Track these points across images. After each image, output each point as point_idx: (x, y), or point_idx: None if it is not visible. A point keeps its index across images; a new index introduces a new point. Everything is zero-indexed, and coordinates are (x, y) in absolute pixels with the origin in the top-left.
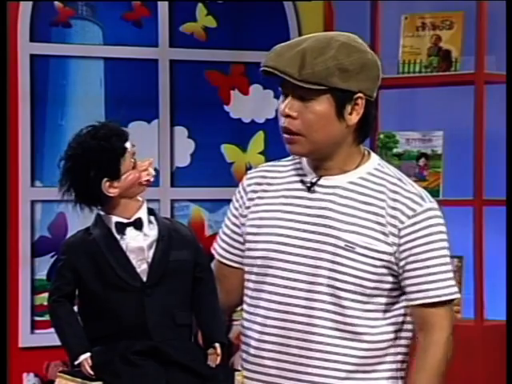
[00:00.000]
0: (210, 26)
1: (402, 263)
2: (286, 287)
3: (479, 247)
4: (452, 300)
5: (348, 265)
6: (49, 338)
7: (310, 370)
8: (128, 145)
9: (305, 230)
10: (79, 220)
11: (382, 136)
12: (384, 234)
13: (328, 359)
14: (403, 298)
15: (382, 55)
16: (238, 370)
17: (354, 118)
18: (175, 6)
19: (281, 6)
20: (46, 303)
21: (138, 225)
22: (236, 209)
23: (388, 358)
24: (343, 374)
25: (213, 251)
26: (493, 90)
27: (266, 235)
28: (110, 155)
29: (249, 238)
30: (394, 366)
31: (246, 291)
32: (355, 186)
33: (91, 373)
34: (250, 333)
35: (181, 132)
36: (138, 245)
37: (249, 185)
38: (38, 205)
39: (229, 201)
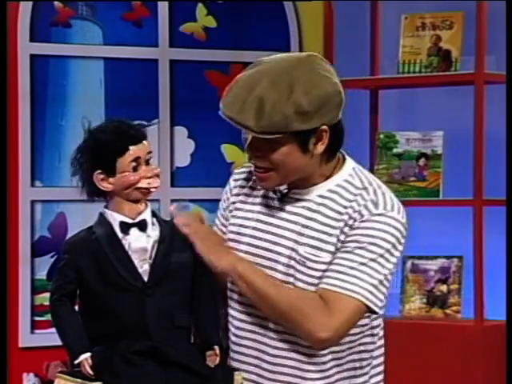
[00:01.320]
0: (209, 26)
1: (339, 251)
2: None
3: (479, 247)
4: (354, 299)
5: (299, 278)
6: (49, 337)
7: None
8: (132, 147)
9: (270, 241)
10: (79, 220)
11: (382, 136)
12: (332, 244)
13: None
14: None
15: (382, 55)
16: (237, 370)
17: (319, 148)
18: (175, 6)
19: (281, 6)
20: (46, 303)
21: (142, 226)
22: (224, 209)
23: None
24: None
25: None
26: (493, 90)
27: (243, 245)
28: (104, 149)
29: (230, 243)
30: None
31: (228, 292)
32: (323, 199)
33: (91, 373)
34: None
35: (181, 132)
36: (142, 245)
37: (235, 187)
38: (37, 205)
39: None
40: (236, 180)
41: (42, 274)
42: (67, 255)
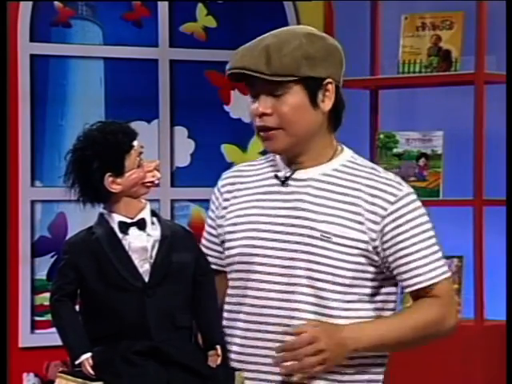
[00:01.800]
0: (210, 26)
1: (390, 251)
2: (264, 282)
3: (479, 247)
4: (448, 278)
5: (325, 255)
6: (49, 337)
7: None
8: (135, 143)
9: (281, 224)
10: (79, 220)
11: (382, 136)
12: (359, 222)
13: None
14: (390, 288)
15: (382, 55)
16: (238, 370)
17: (327, 105)
18: (175, 6)
19: (281, 6)
20: (46, 303)
21: (141, 225)
22: (212, 211)
23: None
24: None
25: None
26: (493, 90)
27: (242, 232)
28: (115, 150)
29: (227, 236)
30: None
31: (228, 290)
32: (329, 177)
33: (92, 373)
34: (233, 331)
35: (181, 132)
36: (142, 244)
37: (223, 185)
38: (38, 205)
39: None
40: (225, 179)
41: (42, 274)
42: (67, 255)
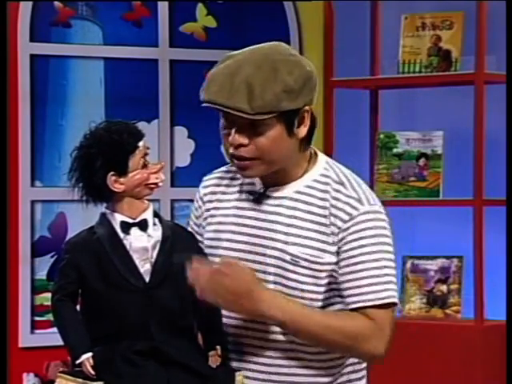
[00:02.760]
0: (210, 26)
1: (339, 268)
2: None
3: (479, 247)
4: (389, 304)
5: (294, 279)
6: (49, 338)
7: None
8: (140, 144)
9: (253, 244)
10: (79, 220)
11: (382, 136)
12: (327, 243)
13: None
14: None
15: (382, 55)
16: (238, 370)
17: (302, 131)
18: (175, 6)
19: (281, 6)
20: (46, 303)
21: (143, 226)
22: (196, 217)
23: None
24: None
25: None
26: (493, 90)
27: (221, 249)
28: (119, 149)
29: (207, 250)
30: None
31: None
32: (301, 195)
33: (92, 372)
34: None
35: (181, 132)
36: (142, 245)
37: (205, 194)
38: (38, 205)
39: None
40: (206, 187)
41: (42, 274)
42: (68, 255)
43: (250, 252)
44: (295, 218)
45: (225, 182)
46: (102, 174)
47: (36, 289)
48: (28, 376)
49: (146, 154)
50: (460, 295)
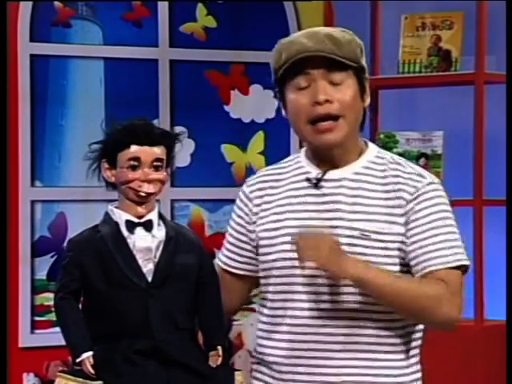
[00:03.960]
0: (210, 26)
1: (408, 237)
2: (310, 285)
3: (479, 247)
4: (460, 267)
5: (364, 253)
6: (49, 337)
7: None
8: (134, 148)
9: (317, 226)
10: (79, 220)
11: (382, 136)
12: (394, 215)
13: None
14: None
15: (382, 55)
16: (238, 370)
17: (367, 100)
18: (175, 6)
19: (281, 6)
20: (46, 303)
21: (147, 226)
22: (240, 217)
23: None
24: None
25: (217, 260)
26: (493, 90)
27: (282, 236)
28: (112, 141)
29: (263, 242)
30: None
31: (266, 295)
32: (360, 175)
33: (92, 372)
34: (276, 335)
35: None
36: (146, 245)
37: (252, 191)
38: (38, 205)
39: (229, 201)
40: (252, 185)
41: (42, 274)
42: (71, 253)
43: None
44: (358, 196)
45: (271, 177)
46: (98, 157)
47: (36, 289)
48: (28, 376)
49: (137, 159)
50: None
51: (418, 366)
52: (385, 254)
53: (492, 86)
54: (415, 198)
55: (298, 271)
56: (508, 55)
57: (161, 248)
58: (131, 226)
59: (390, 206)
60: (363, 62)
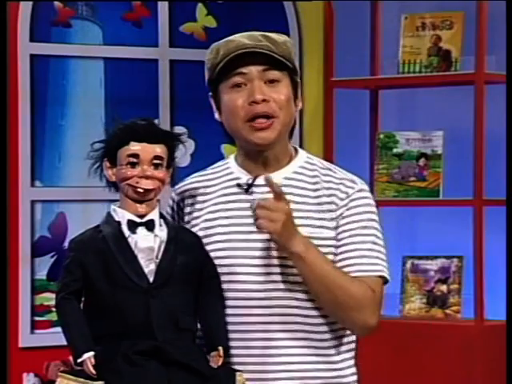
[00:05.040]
0: (209, 26)
1: (338, 241)
2: (243, 291)
3: (479, 247)
4: (382, 277)
5: (283, 256)
6: (49, 337)
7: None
8: (133, 145)
9: (251, 232)
10: (79, 220)
11: (382, 136)
12: (326, 219)
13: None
14: None
15: (382, 55)
16: (239, 371)
17: (299, 104)
18: (175, 6)
19: (281, 6)
20: (46, 303)
21: (149, 226)
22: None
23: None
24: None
25: None
26: (493, 90)
27: (214, 243)
28: (113, 140)
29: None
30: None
31: None
32: (291, 180)
33: (93, 372)
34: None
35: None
36: (149, 245)
37: (182, 198)
38: (38, 205)
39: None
40: (181, 193)
41: (42, 274)
42: (73, 253)
43: (247, 240)
44: (289, 201)
45: (200, 184)
46: (100, 156)
47: (36, 289)
48: (28, 376)
49: (136, 155)
50: (460, 295)
51: (353, 362)
52: None
53: (492, 86)
54: (345, 205)
55: (228, 277)
56: (508, 55)
57: (162, 248)
58: (133, 226)
59: (321, 211)
60: (296, 64)
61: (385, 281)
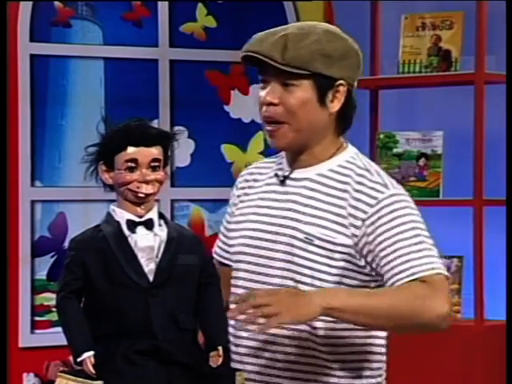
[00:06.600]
0: (210, 26)
1: (374, 253)
2: (250, 280)
3: (479, 247)
4: (436, 274)
5: (305, 257)
6: (49, 337)
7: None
8: (130, 149)
9: (270, 223)
10: (79, 220)
11: (382, 136)
12: (344, 225)
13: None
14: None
15: (382, 55)
16: (239, 370)
17: (335, 106)
18: (175, 6)
19: (281, 6)
20: (46, 303)
21: (149, 225)
22: (230, 207)
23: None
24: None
25: (213, 251)
26: (493, 90)
27: (241, 230)
28: (109, 144)
29: (231, 234)
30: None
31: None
32: (323, 177)
33: (93, 371)
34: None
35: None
36: (149, 244)
37: (239, 182)
38: (38, 205)
39: (229, 201)
40: (241, 176)
41: (42, 274)
42: (73, 252)
43: (265, 231)
44: (313, 198)
45: (258, 170)
46: (94, 160)
47: (36, 289)
48: (28, 376)
49: (134, 160)
50: (460, 295)
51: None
52: (326, 262)
53: (492, 86)
54: (376, 212)
55: (242, 265)
56: (508, 55)
57: (162, 248)
58: (132, 225)
59: (339, 215)
60: (322, 67)
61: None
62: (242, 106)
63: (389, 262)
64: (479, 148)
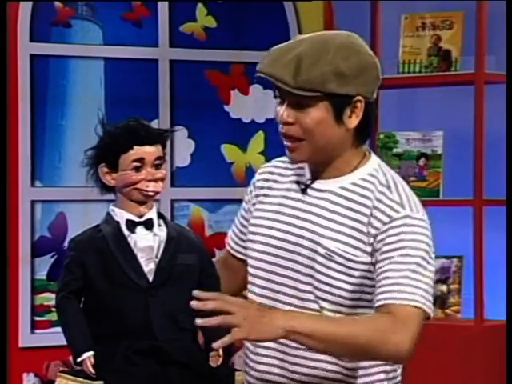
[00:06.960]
0: (209, 26)
1: (376, 267)
2: (268, 289)
3: (479, 247)
4: (417, 308)
5: (325, 273)
6: (49, 337)
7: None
8: (136, 148)
9: (291, 233)
10: (79, 220)
11: (382, 136)
12: (363, 242)
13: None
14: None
15: (382, 55)
16: (238, 370)
17: (353, 121)
18: (175, 6)
19: (281, 6)
20: (46, 303)
21: (148, 225)
22: (246, 203)
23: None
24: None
25: (226, 240)
26: (493, 90)
27: (260, 236)
28: (112, 145)
29: (249, 236)
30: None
31: (253, 279)
32: (345, 191)
33: (93, 371)
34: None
35: (181, 132)
36: (148, 244)
37: (258, 180)
38: (38, 205)
39: (229, 201)
40: (261, 173)
41: (42, 274)
42: (73, 252)
43: (286, 241)
44: (335, 212)
45: (279, 170)
46: (95, 162)
47: (36, 289)
48: (28, 376)
49: (141, 159)
50: (460, 295)
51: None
52: (345, 279)
53: (492, 86)
54: (386, 230)
55: (262, 274)
56: (508, 55)
57: (162, 248)
58: (132, 225)
59: (361, 231)
60: (336, 87)
61: (425, 315)
62: (242, 106)
63: (378, 282)
64: (479, 148)
